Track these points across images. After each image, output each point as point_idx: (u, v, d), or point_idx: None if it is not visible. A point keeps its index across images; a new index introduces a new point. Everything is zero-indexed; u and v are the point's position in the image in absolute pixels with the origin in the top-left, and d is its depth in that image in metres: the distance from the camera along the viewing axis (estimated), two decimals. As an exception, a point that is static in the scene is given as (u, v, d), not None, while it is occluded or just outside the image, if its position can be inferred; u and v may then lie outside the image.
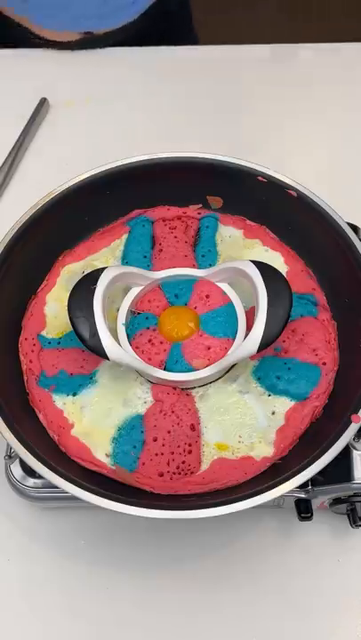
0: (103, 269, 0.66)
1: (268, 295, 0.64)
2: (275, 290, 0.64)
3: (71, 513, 0.72)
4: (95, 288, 0.64)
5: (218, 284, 0.70)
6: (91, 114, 1.01)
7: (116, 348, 0.63)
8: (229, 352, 0.65)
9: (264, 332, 0.62)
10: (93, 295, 0.64)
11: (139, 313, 0.69)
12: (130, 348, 0.66)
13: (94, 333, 0.62)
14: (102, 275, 0.65)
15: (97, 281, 0.65)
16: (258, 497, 0.56)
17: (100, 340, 0.62)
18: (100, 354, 0.62)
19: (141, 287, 0.70)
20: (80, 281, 0.66)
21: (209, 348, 0.66)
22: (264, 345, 0.62)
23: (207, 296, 0.69)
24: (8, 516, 0.72)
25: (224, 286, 0.70)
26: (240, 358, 0.64)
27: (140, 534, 0.71)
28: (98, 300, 0.64)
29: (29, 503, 0.70)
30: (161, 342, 0.67)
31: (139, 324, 0.68)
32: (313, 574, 0.70)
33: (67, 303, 0.64)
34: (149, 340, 0.67)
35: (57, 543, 0.72)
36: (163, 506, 0.57)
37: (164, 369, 0.65)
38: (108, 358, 0.62)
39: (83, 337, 0.63)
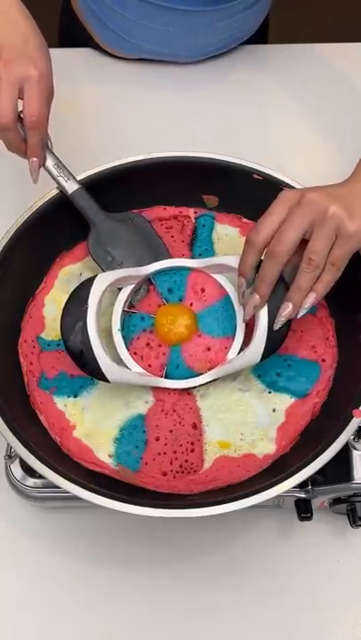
0: (93, 280, 0.64)
1: None
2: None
3: (71, 513, 0.72)
4: (87, 308, 0.63)
5: (213, 275, 0.68)
6: (86, 115, 1.01)
7: (115, 368, 0.62)
8: (233, 359, 0.64)
9: (266, 343, 0.62)
10: (86, 316, 0.62)
11: (133, 312, 0.68)
12: (127, 354, 0.65)
13: (93, 358, 0.61)
14: (92, 289, 0.63)
15: (88, 297, 0.63)
16: (261, 494, 0.56)
17: (98, 364, 0.61)
18: (100, 378, 0.62)
19: (133, 285, 0.67)
20: (71, 299, 0.64)
21: (209, 349, 0.65)
22: (268, 353, 0.62)
23: (202, 289, 0.68)
24: (8, 516, 0.72)
25: (219, 277, 0.68)
26: (243, 366, 0.63)
27: (139, 534, 0.71)
28: (91, 320, 0.62)
29: (29, 503, 0.70)
30: (159, 345, 0.66)
31: (135, 326, 0.67)
32: (313, 574, 0.70)
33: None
34: (147, 344, 0.66)
35: (57, 543, 0.72)
36: (162, 505, 0.57)
37: (165, 373, 0.65)
38: (108, 381, 0.62)
39: (80, 362, 0.62)
